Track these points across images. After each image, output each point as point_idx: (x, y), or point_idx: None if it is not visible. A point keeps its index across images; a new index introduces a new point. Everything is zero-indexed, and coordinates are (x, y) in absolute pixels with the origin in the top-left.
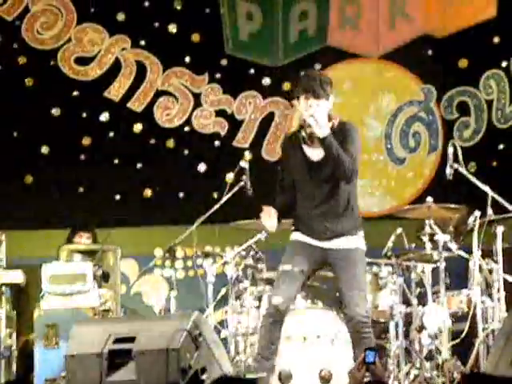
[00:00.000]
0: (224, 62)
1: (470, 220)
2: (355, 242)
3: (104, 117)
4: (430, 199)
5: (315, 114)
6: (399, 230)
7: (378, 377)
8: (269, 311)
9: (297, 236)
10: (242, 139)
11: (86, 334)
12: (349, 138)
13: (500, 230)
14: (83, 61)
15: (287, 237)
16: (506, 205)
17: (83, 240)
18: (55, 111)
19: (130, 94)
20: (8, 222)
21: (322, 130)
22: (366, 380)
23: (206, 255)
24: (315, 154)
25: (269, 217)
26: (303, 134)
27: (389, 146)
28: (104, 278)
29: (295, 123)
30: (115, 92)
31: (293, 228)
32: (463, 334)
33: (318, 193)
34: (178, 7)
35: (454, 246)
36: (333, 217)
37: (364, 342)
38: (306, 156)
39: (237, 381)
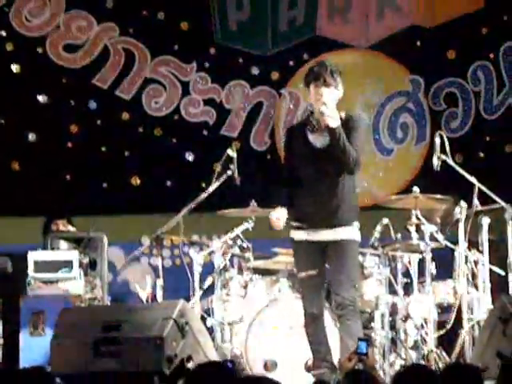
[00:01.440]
0: (212, 50)
1: (457, 211)
2: (351, 232)
3: (92, 104)
4: (416, 189)
5: (327, 102)
6: (385, 221)
7: (370, 368)
8: (307, 320)
9: (298, 235)
10: (230, 128)
11: (72, 322)
12: (354, 131)
13: (486, 221)
14: (71, 48)
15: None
16: (493, 196)
17: (61, 228)
18: (43, 98)
19: (118, 81)
20: None
21: (334, 119)
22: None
23: (193, 244)
24: (319, 141)
25: (279, 219)
26: (312, 121)
27: (376, 137)
28: (91, 266)
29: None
30: (103, 79)
31: (291, 222)
32: (449, 325)
33: (318, 181)
34: None
35: (440, 236)
36: (331, 205)
37: (349, 326)
38: (310, 142)
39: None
